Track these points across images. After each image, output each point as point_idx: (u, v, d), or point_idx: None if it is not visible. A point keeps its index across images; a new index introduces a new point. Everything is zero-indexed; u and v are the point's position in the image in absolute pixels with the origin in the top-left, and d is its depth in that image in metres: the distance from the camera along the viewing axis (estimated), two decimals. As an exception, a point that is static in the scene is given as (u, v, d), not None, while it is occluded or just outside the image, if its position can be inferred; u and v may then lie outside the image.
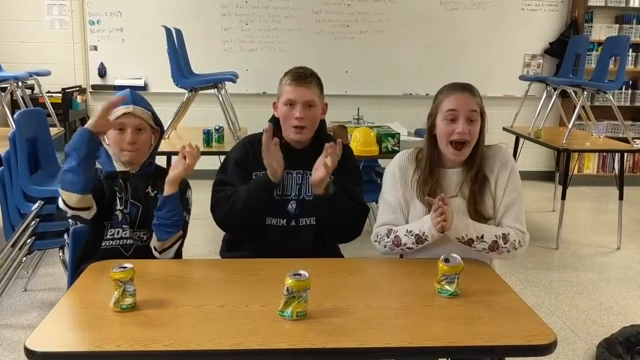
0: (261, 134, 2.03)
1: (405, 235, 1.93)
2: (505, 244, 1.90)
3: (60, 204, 1.89)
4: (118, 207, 2.00)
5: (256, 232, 2.10)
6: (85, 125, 1.86)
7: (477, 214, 1.96)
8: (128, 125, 1.98)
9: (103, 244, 1.99)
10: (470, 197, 1.97)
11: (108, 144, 2.03)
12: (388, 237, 1.97)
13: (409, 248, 1.93)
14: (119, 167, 2.03)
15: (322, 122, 2.20)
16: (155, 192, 2.05)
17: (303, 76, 2.11)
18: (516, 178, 2.02)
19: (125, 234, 2.00)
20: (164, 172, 2.12)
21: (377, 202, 2.19)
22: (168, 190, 1.92)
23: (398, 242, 1.94)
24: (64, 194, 1.86)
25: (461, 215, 1.95)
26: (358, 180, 2.22)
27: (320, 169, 1.95)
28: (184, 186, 2.03)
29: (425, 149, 2.04)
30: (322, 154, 1.97)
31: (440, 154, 2.02)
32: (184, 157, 1.91)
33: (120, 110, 1.97)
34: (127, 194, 2.01)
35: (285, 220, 2.10)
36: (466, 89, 1.99)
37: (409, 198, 2.02)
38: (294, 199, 2.11)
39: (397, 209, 2.02)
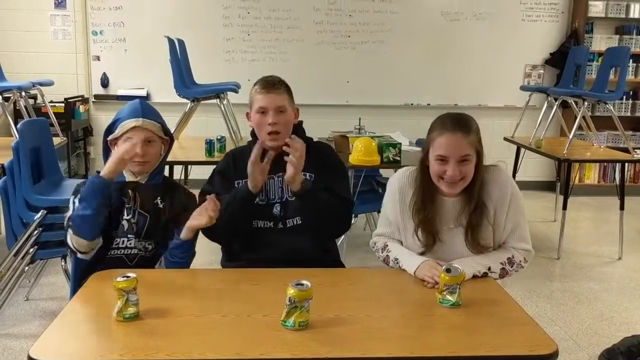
0: (244, 146, 2.15)
1: (393, 261, 1.97)
2: (512, 267, 1.93)
3: (69, 242, 1.92)
4: (125, 216, 2.01)
5: (247, 238, 2.14)
6: (101, 174, 1.89)
7: (475, 244, 1.94)
8: (137, 139, 1.99)
9: (107, 253, 2.00)
10: (468, 228, 1.94)
11: None
12: (382, 252, 2.03)
13: (399, 267, 1.96)
14: (128, 177, 2.04)
15: (299, 126, 2.26)
16: (164, 203, 2.06)
17: (271, 83, 2.17)
18: (517, 201, 1.97)
19: (130, 243, 2.01)
20: (174, 184, 2.18)
21: (378, 212, 2.21)
22: (185, 235, 1.96)
23: (387, 261, 2.01)
24: (74, 239, 1.89)
25: (464, 253, 1.93)
26: (341, 175, 2.29)
27: (289, 167, 2.01)
28: (193, 204, 2.07)
29: (418, 180, 1.99)
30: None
31: (434, 188, 1.97)
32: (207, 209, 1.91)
33: (130, 123, 1.99)
34: (136, 204, 2.02)
35: (272, 222, 2.15)
36: (459, 127, 1.88)
37: (405, 219, 2.02)
38: (277, 202, 2.16)
39: (393, 224, 2.06)
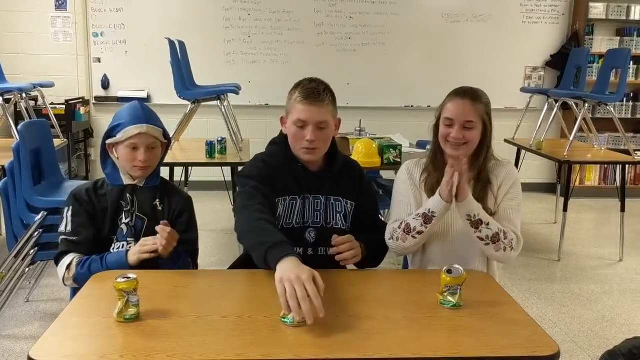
0: (274, 151, 2.00)
1: (414, 219, 1.98)
2: (504, 239, 1.95)
3: (60, 275, 1.91)
4: (124, 220, 2.00)
5: None
6: (129, 261, 1.86)
7: None
8: (141, 145, 1.97)
9: None
10: (474, 197, 1.99)
11: (117, 157, 2.02)
12: (400, 228, 2.01)
13: (418, 233, 1.97)
14: (126, 181, 2.02)
15: (334, 143, 2.07)
16: (162, 205, 2.05)
17: (316, 93, 1.91)
18: (518, 189, 2.08)
19: (130, 247, 1.97)
20: (171, 187, 2.16)
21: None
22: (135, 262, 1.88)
23: (408, 228, 1.99)
24: (69, 283, 1.90)
25: (466, 227, 1.97)
26: (372, 196, 2.19)
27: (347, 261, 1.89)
28: (190, 207, 2.08)
29: (432, 147, 2.12)
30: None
31: (444, 154, 2.08)
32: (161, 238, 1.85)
33: (134, 130, 1.96)
34: (134, 207, 2.01)
35: (302, 248, 1.98)
36: (468, 95, 2.03)
37: (418, 197, 2.09)
38: (312, 226, 2.00)
39: (408, 204, 2.08)
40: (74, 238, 1.94)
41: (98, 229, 1.97)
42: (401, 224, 2.02)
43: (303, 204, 1.98)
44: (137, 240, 1.99)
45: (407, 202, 2.08)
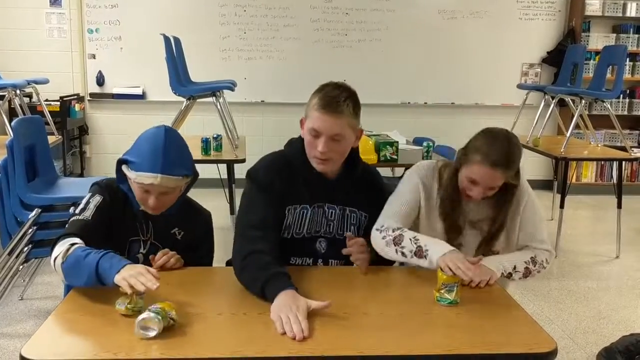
0: (281, 154, 1.91)
1: (411, 240, 1.81)
2: (534, 266, 1.92)
3: (54, 253, 1.67)
4: (141, 250, 1.87)
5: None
6: (114, 280, 1.50)
7: (487, 251, 1.95)
8: (153, 192, 1.80)
9: None
10: (488, 237, 1.96)
11: (134, 189, 1.84)
12: (393, 232, 1.85)
13: (403, 254, 1.81)
14: (142, 207, 1.86)
15: (356, 150, 1.96)
16: (182, 233, 1.93)
17: (335, 103, 1.78)
18: (534, 205, 1.99)
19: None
20: (193, 211, 1.99)
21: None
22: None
23: (399, 241, 1.82)
24: (58, 263, 1.63)
25: (487, 258, 1.89)
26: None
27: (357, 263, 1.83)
28: (210, 233, 2.01)
29: (449, 179, 1.96)
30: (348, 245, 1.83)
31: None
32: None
33: (146, 178, 1.77)
34: (149, 235, 1.88)
35: (312, 259, 1.91)
36: (501, 164, 1.82)
37: (429, 207, 1.98)
38: (324, 236, 1.92)
39: (410, 209, 1.96)
40: (89, 222, 1.75)
41: (107, 236, 1.80)
42: (398, 228, 1.87)
43: (315, 213, 1.89)
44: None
45: (410, 207, 1.96)
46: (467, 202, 1.97)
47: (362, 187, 1.97)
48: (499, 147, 1.83)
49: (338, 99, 1.80)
